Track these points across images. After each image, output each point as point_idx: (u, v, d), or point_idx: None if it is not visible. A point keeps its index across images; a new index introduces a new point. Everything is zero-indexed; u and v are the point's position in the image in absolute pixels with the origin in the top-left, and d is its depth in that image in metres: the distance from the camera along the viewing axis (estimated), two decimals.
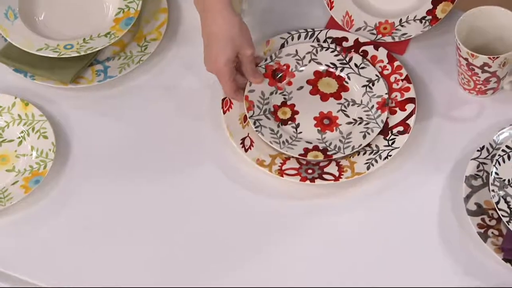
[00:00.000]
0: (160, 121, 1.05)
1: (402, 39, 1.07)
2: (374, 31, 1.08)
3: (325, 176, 0.98)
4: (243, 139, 1.01)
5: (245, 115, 1.03)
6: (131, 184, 1.00)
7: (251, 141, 1.01)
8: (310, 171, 0.98)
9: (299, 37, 1.08)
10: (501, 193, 0.92)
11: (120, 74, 1.06)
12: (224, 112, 1.03)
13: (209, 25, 0.99)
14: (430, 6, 1.07)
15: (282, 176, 0.98)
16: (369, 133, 1.00)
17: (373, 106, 1.02)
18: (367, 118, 1.02)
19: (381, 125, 1.00)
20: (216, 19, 0.98)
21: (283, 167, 0.99)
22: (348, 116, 1.03)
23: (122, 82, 1.07)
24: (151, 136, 1.03)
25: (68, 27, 1.10)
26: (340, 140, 1.00)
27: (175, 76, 1.08)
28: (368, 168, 0.98)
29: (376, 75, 1.04)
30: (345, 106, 1.03)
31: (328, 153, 0.99)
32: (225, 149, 1.02)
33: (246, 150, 1.00)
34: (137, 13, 1.08)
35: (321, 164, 0.99)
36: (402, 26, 1.07)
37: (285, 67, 1.06)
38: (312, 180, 0.97)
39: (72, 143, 1.03)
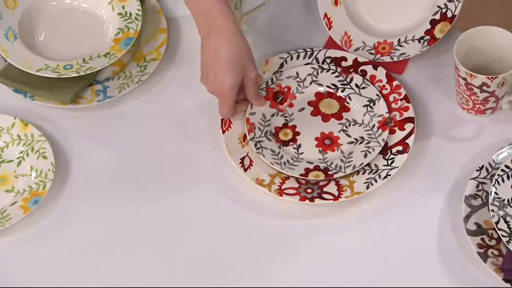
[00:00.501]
0: (160, 140, 1.05)
1: (401, 58, 1.07)
2: (373, 51, 1.08)
3: (324, 195, 0.98)
4: (242, 159, 1.01)
5: (245, 135, 1.03)
6: (130, 204, 1.00)
7: (250, 161, 1.01)
8: (309, 190, 0.99)
9: (298, 57, 1.09)
10: (501, 213, 0.92)
11: (120, 94, 1.06)
12: (223, 132, 1.03)
13: (214, 44, 0.97)
14: (429, 26, 1.07)
15: (282, 196, 0.98)
16: (370, 152, 1.00)
17: (374, 125, 1.03)
18: (368, 137, 1.02)
19: (382, 143, 1.00)
20: (222, 39, 0.96)
21: (282, 187, 0.99)
22: (350, 136, 1.03)
23: (122, 102, 1.08)
24: (150, 156, 1.04)
25: (68, 47, 1.10)
26: (341, 160, 1.01)
27: (175, 96, 1.08)
28: (367, 188, 0.98)
29: (377, 95, 1.04)
30: (346, 126, 1.04)
31: (329, 172, 0.99)
32: (224, 169, 1.02)
33: (245, 170, 1.00)
34: (137, 34, 1.09)
35: (321, 183, 0.99)
36: (400, 46, 1.08)
37: (286, 89, 1.06)
38: (312, 199, 0.97)
39: (71, 163, 1.03)
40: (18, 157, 1.02)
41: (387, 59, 1.08)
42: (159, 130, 1.05)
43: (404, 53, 1.07)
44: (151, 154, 1.04)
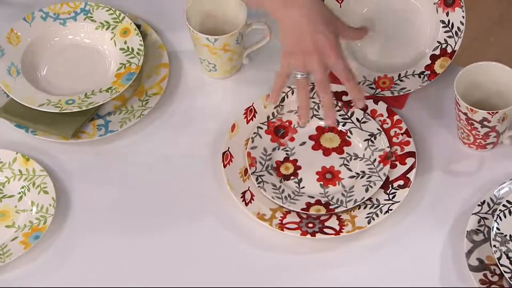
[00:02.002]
0: (161, 175, 1.05)
1: (401, 93, 1.08)
2: (373, 85, 1.09)
3: (325, 230, 0.98)
4: (244, 193, 1.01)
5: (246, 169, 1.03)
6: (131, 239, 0.99)
7: (252, 195, 1.01)
8: (310, 225, 0.98)
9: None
10: (503, 248, 0.92)
11: (121, 129, 1.07)
12: (225, 166, 1.03)
13: (299, 7, 0.91)
14: (429, 61, 1.08)
15: (283, 230, 0.98)
16: (371, 186, 1.00)
17: (375, 159, 1.03)
18: (369, 171, 1.02)
19: (383, 178, 1.00)
20: (301, 2, 0.91)
21: (284, 221, 0.99)
22: (351, 170, 1.03)
23: (123, 137, 1.08)
24: (151, 190, 1.03)
25: (70, 82, 1.11)
26: (343, 194, 1.01)
27: (176, 130, 1.08)
28: (369, 222, 0.97)
29: (378, 129, 1.05)
30: (347, 161, 1.04)
31: (330, 207, 0.99)
32: (225, 203, 1.01)
33: (246, 204, 1.00)
34: (139, 68, 1.10)
35: (322, 218, 0.99)
36: (401, 80, 1.08)
37: (287, 123, 1.06)
38: (313, 234, 0.97)
39: (72, 198, 1.03)
40: (19, 192, 1.02)
41: (387, 93, 1.08)
42: (160, 164, 1.06)
43: (405, 88, 1.08)
44: (153, 188, 1.04)
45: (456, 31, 1.07)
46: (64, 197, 1.03)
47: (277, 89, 0.96)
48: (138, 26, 1.14)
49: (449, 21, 1.07)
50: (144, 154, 1.07)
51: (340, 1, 1.11)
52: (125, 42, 1.12)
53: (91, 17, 1.14)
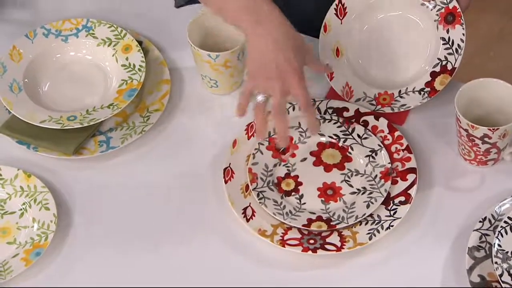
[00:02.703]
0: (162, 191, 1.05)
1: (401, 110, 1.08)
2: (374, 102, 1.09)
3: (327, 246, 0.97)
4: (245, 209, 1.01)
5: (247, 185, 1.03)
6: (133, 256, 0.99)
7: (253, 211, 1.01)
8: (312, 241, 0.98)
9: (300, 108, 1.09)
10: (505, 265, 0.92)
11: (123, 145, 1.07)
12: (226, 182, 1.03)
13: (269, 30, 0.92)
14: (429, 78, 1.08)
15: (284, 247, 0.98)
16: (372, 203, 1.00)
17: (376, 175, 1.03)
18: (370, 187, 1.02)
19: (385, 194, 1.00)
20: (276, 23, 0.93)
21: (285, 237, 0.99)
22: (352, 186, 1.03)
23: (124, 153, 1.08)
24: (153, 206, 1.03)
25: (72, 99, 1.11)
26: (344, 210, 1.00)
27: (177, 146, 1.09)
28: (370, 239, 0.97)
29: (379, 145, 1.05)
30: (348, 177, 1.04)
31: (331, 223, 0.99)
32: (226, 219, 1.01)
33: (247, 220, 1.00)
34: (140, 85, 1.10)
35: (323, 234, 0.99)
36: (401, 97, 1.09)
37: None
38: (314, 250, 0.97)
39: (73, 214, 1.03)
40: (21, 209, 1.02)
41: (387, 110, 1.08)
42: (161, 180, 1.06)
43: (405, 105, 1.08)
44: (154, 204, 1.04)
45: (456, 48, 1.07)
46: (66, 214, 1.03)
47: (240, 106, 0.98)
48: (140, 43, 1.15)
49: (449, 38, 1.08)
50: (145, 170, 1.07)
51: (341, 18, 1.11)
52: (127, 59, 1.13)
53: (93, 33, 1.15)
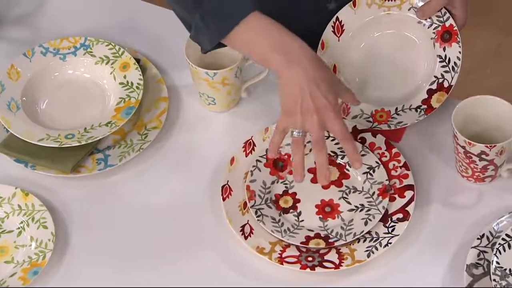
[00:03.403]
0: (160, 208, 1.05)
1: (398, 127, 1.08)
2: (371, 119, 1.09)
3: (325, 264, 0.97)
4: (243, 226, 1.01)
5: (245, 202, 1.03)
6: (130, 274, 0.99)
7: (251, 228, 1.01)
8: (310, 258, 0.98)
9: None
10: (503, 283, 0.92)
11: (121, 163, 1.07)
12: (224, 199, 1.03)
13: (303, 68, 0.93)
14: (426, 96, 1.08)
15: (282, 264, 0.97)
16: (370, 220, 1.00)
17: (374, 192, 1.03)
18: (368, 204, 1.02)
19: (383, 211, 1.00)
20: (310, 61, 0.93)
21: (283, 255, 0.98)
22: (350, 203, 1.03)
23: (123, 170, 1.08)
24: (151, 224, 1.03)
25: (70, 117, 1.11)
26: (342, 227, 1.00)
27: (175, 164, 1.09)
28: (368, 256, 0.97)
29: (376, 162, 1.05)
30: (346, 194, 1.04)
31: (329, 240, 0.99)
32: (225, 236, 1.01)
33: (245, 238, 1.00)
34: (138, 103, 1.10)
35: (321, 251, 0.99)
36: (398, 114, 1.09)
37: (286, 156, 1.07)
38: (313, 268, 0.97)
39: (71, 232, 1.03)
40: (18, 228, 1.02)
41: (384, 127, 1.08)
42: (160, 198, 1.06)
43: (401, 122, 1.08)
44: (152, 222, 1.03)
45: (453, 66, 1.07)
46: (63, 232, 1.02)
47: (274, 145, 0.99)
48: (138, 61, 1.15)
49: (446, 56, 1.08)
50: (143, 187, 1.07)
51: (338, 35, 1.12)
52: (125, 77, 1.13)
53: (91, 52, 1.15)
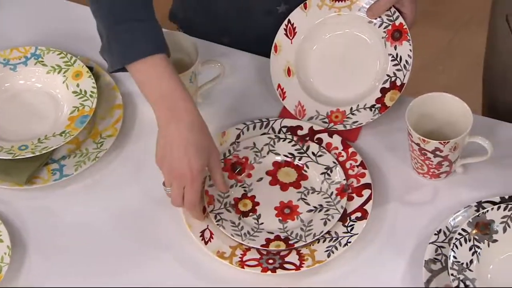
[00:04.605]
0: (119, 216, 1.04)
1: (354, 126, 1.09)
2: (326, 120, 1.10)
3: (286, 265, 0.97)
4: (203, 231, 1.01)
5: (204, 207, 1.03)
6: (90, 282, 0.98)
7: (211, 233, 1.01)
8: (271, 261, 0.98)
9: (254, 127, 1.10)
10: (461, 276, 0.93)
11: (76, 172, 1.06)
12: None
13: (178, 128, 0.95)
14: (379, 95, 1.10)
15: (243, 268, 0.97)
16: (329, 220, 1.01)
17: (332, 192, 1.03)
18: (327, 205, 1.03)
19: (341, 211, 1.01)
20: (186, 122, 0.95)
21: (244, 258, 0.98)
22: (309, 204, 1.03)
23: (79, 180, 1.07)
24: (109, 232, 1.02)
25: (23, 128, 1.10)
26: (302, 229, 1.01)
27: (132, 171, 1.08)
28: (328, 256, 0.98)
29: (334, 162, 1.06)
30: (305, 195, 1.04)
31: (290, 242, 0.99)
32: (184, 242, 1.01)
33: (206, 243, 0.99)
34: (92, 111, 1.09)
35: (282, 253, 0.99)
36: (353, 114, 1.10)
37: (243, 159, 1.07)
38: (273, 270, 0.97)
39: (28, 245, 1.01)
40: None
41: (340, 127, 1.09)
42: (118, 206, 1.05)
43: (357, 121, 1.09)
44: (110, 230, 1.02)
45: (404, 64, 1.09)
46: (20, 245, 1.01)
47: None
48: (91, 69, 1.14)
49: (397, 54, 1.09)
50: (100, 196, 1.06)
51: (291, 38, 1.12)
52: (78, 85, 1.12)
53: (42, 61, 1.14)
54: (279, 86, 1.12)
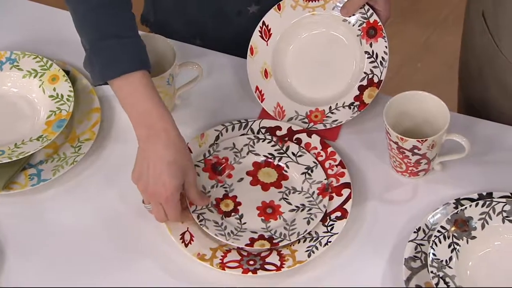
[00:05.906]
0: (98, 220, 1.03)
1: (334, 125, 1.09)
2: (306, 120, 1.10)
3: (267, 266, 0.97)
4: (183, 234, 1.00)
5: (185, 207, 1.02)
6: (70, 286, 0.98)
7: (191, 236, 1.00)
8: (251, 262, 0.98)
9: (233, 129, 1.09)
10: (440, 274, 0.93)
11: (54, 177, 1.05)
12: None
13: (155, 146, 0.95)
14: (357, 92, 1.10)
15: (224, 270, 0.97)
16: (312, 219, 1.01)
17: (313, 192, 1.04)
18: (309, 204, 1.03)
19: (324, 209, 1.01)
20: (164, 141, 0.95)
21: (224, 260, 0.98)
22: (291, 204, 1.03)
23: (57, 185, 1.06)
24: (89, 237, 1.02)
25: None
26: (285, 228, 1.01)
27: (111, 174, 1.07)
28: (309, 256, 0.98)
29: (314, 162, 1.06)
30: (286, 194, 1.04)
31: (274, 241, 0.99)
32: (164, 245, 1.00)
33: (186, 245, 0.99)
34: (69, 115, 1.08)
35: (262, 254, 0.99)
36: (332, 113, 1.10)
37: (224, 160, 1.07)
38: (254, 271, 0.97)
39: (6, 251, 1.00)
40: None
41: (320, 126, 1.09)
42: (97, 210, 1.04)
43: (336, 120, 1.09)
44: (90, 234, 1.02)
45: (381, 61, 1.09)
46: None
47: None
48: (67, 72, 1.13)
49: (373, 51, 1.09)
50: (79, 200, 1.05)
51: (266, 40, 1.12)
52: (54, 89, 1.11)
53: (18, 65, 1.13)
54: (257, 88, 1.12)
